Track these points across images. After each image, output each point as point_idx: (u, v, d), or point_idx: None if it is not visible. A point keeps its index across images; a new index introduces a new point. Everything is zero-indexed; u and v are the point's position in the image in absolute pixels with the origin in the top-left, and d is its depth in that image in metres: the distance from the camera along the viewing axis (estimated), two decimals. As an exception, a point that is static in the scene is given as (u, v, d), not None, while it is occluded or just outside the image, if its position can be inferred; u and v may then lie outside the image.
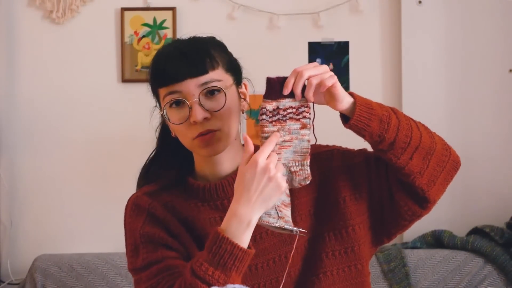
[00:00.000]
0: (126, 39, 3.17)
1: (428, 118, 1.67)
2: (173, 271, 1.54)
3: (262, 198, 1.45)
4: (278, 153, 1.49)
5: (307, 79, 1.47)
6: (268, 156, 1.46)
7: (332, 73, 1.47)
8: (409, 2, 3.11)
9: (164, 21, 3.17)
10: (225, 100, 1.57)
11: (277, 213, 1.48)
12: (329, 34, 3.17)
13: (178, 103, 1.58)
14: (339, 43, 3.15)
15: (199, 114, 1.56)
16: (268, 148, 1.47)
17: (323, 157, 1.66)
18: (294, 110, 1.49)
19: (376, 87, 3.16)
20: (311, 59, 3.13)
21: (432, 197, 1.57)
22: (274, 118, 1.49)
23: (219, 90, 1.58)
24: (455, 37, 3.14)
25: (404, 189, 1.58)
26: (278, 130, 1.49)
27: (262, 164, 1.44)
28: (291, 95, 1.49)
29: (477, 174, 3.11)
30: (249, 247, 1.46)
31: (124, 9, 3.17)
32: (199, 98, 1.56)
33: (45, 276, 2.93)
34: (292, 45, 3.16)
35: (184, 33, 1.72)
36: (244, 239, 1.45)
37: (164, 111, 1.59)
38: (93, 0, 3.20)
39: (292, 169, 1.50)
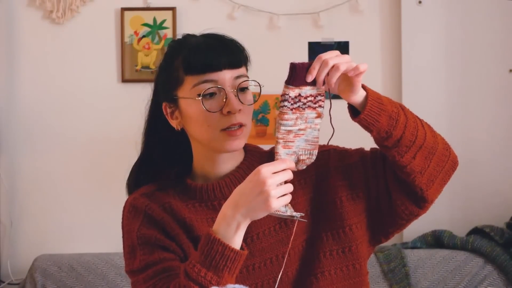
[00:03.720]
0: (126, 39, 3.17)
1: (428, 118, 1.66)
2: (170, 273, 1.53)
3: (248, 208, 1.43)
4: (291, 141, 1.48)
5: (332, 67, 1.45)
6: (277, 173, 1.43)
7: (354, 63, 1.45)
8: (409, 2, 3.11)
9: (164, 21, 3.17)
10: (258, 96, 1.58)
11: None
12: (329, 34, 3.16)
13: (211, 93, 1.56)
14: (339, 43, 3.15)
15: (237, 104, 1.55)
16: (280, 166, 1.44)
17: (319, 157, 1.64)
18: (312, 98, 1.47)
19: (376, 87, 3.08)
20: (311, 59, 3.11)
21: (430, 197, 1.57)
22: (295, 106, 1.47)
23: (251, 86, 1.59)
24: (455, 37, 3.14)
25: (401, 188, 1.57)
26: (297, 118, 1.47)
27: (264, 175, 1.41)
28: (312, 82, 1.46)
29: (477, 174, 3.11)
30: (242, 248, 1.45)
31: (124, 9, 3.17)
32: (236, 90, 1.57)
33: (45, 276, 2.93)
34: (292, 45, 3.16)
35: (184, 33, 1.71)
36: (235, 240, 1.44)
37: (200, 97, 1.55)
38: (93, 0, 3.20)
39: (301, 157, 1.48)
